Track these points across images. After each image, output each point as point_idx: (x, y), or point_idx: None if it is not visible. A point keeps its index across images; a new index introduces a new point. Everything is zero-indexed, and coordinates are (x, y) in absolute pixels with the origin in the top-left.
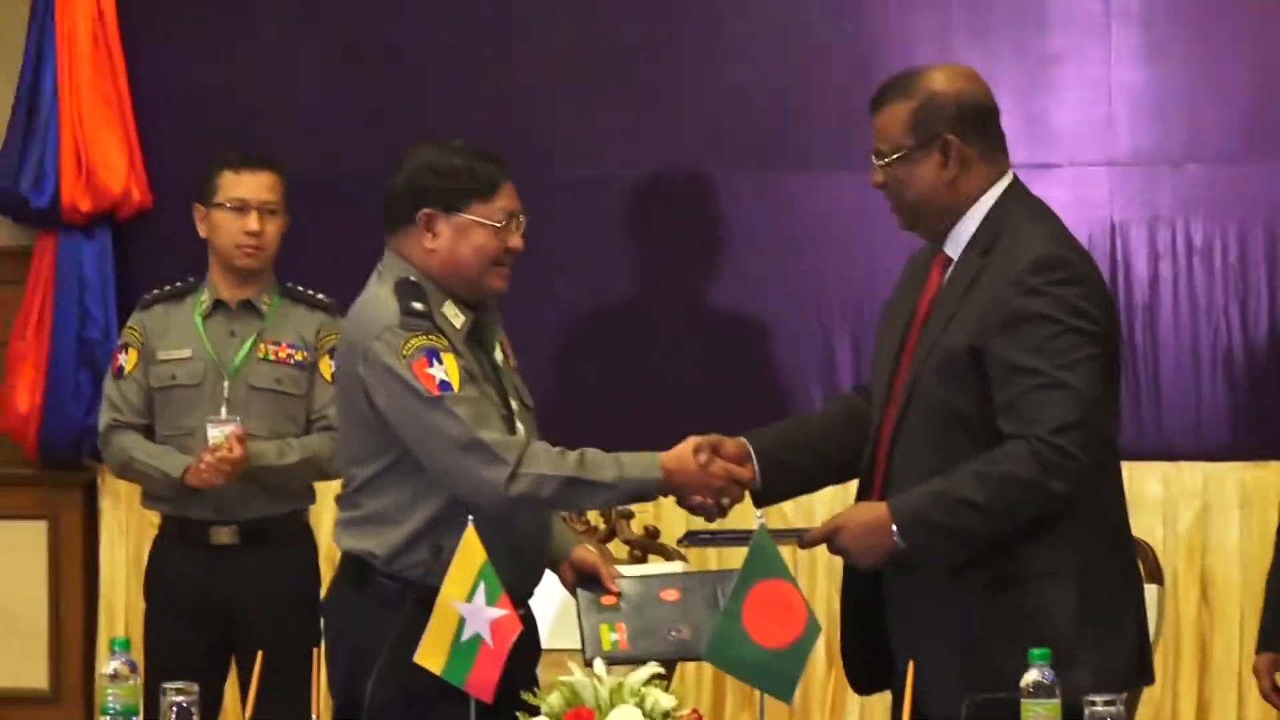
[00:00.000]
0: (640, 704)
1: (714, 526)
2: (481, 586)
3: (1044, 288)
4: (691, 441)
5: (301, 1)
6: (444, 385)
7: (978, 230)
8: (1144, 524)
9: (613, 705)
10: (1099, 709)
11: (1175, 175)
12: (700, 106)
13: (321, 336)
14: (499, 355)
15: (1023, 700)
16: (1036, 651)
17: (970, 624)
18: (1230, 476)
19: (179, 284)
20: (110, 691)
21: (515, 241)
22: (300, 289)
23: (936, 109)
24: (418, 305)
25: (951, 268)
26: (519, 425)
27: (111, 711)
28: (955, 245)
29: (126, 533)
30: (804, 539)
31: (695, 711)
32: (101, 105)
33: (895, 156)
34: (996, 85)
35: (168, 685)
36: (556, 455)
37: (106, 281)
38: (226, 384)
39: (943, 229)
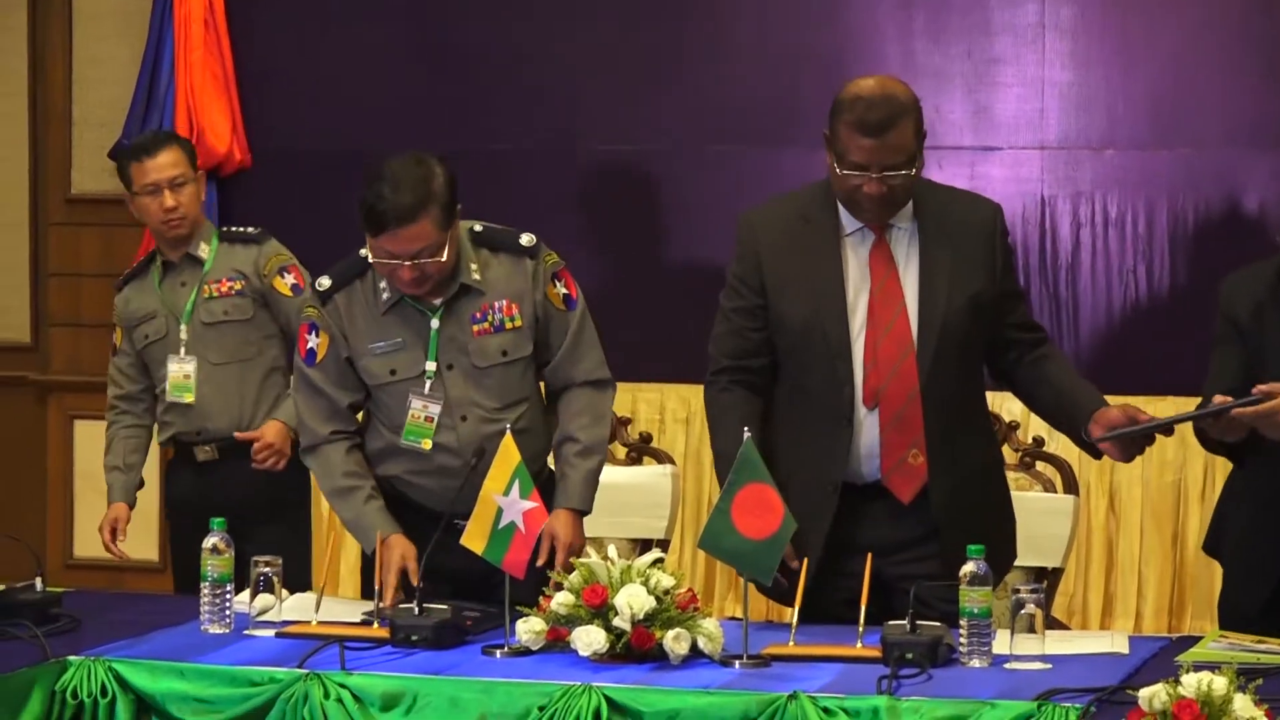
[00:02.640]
0: (645, 583)
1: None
2: (516, 483)
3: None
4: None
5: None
6: (309, 355)
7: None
8: (1064, 444)
9: (623, 584)
10: (1024, 595)
11: (1095, 158)
12: (704, 93)
13: (263, 263)
14: (435, 322)
15: (961, 587)
16: (974, 547)
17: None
18: None
19: (139, 263)
20: (209, 562)
21: (402, 273)
22: (235, 230)
23: (920, 117)
24: (322, 283)
25: (911, 232)
26: (428, 380)
27: (210, 578)
28: (902, 215)
29: None
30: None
31: (690, 590)
32: (210, 80)
33: (914, 165)
34: (950, 82)
35: (257, 558)
36: (339, 465)
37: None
38: (183, 328)
39: None
